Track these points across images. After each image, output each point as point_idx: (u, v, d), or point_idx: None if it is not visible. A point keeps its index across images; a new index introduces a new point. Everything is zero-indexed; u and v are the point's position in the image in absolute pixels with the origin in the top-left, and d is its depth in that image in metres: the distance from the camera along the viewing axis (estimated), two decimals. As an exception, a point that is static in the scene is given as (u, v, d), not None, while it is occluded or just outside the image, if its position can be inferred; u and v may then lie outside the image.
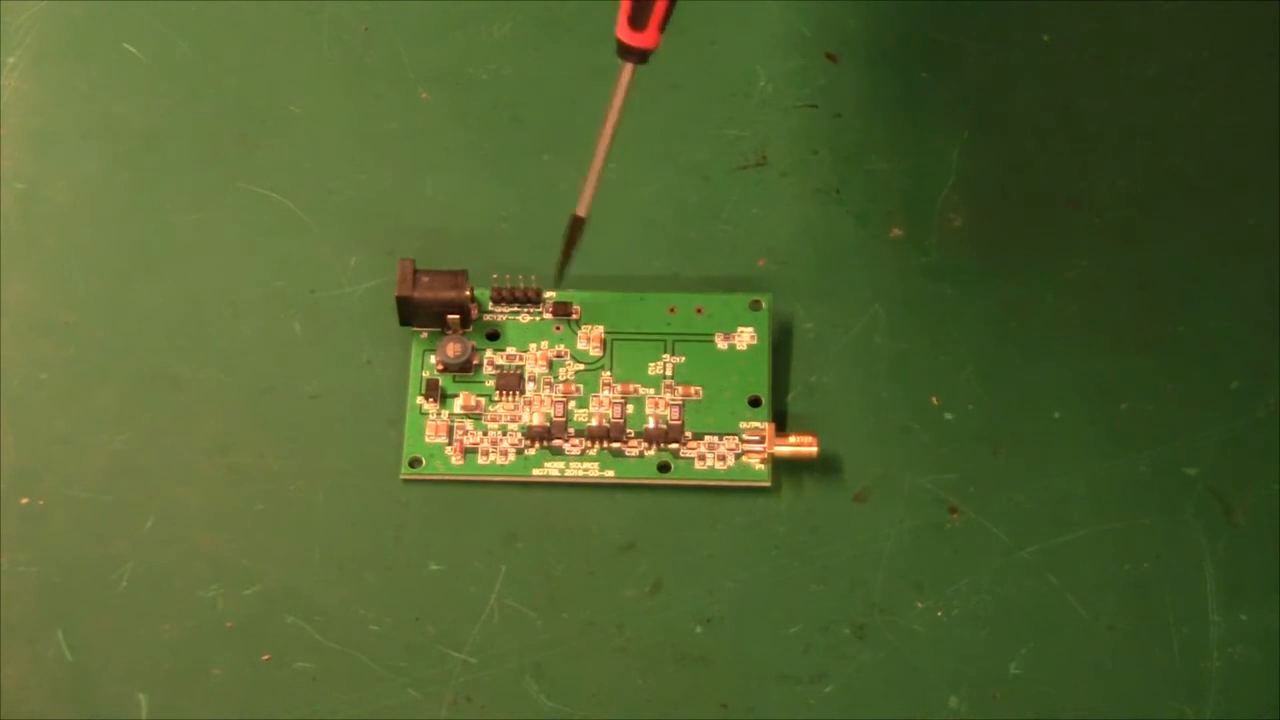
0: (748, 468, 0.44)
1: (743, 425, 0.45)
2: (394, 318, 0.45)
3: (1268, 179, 0.48)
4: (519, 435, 0.44)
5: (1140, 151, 0.49)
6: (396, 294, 0.44)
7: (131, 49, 0.49)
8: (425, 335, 0.45)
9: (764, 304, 0.46)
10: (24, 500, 0.44)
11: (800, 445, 0.44)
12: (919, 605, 0.43)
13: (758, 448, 0.44)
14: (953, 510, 0.44)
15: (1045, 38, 0.50)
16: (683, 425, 0.44)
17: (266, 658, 0.42)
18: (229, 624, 0.43)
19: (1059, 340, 0.46)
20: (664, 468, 0.44)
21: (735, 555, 0.44)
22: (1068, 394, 0.45)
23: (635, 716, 0.42)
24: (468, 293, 0.45)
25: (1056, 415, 0.45)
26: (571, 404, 0.45)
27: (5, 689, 0.42)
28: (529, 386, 0.45)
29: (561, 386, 0.45)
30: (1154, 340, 0.46)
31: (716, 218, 0.48)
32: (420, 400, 0.45)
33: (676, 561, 0.44)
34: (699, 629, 0.43)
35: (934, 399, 0.45)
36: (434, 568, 0.43)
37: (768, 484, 0.44)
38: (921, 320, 0.46)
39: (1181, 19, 0.51)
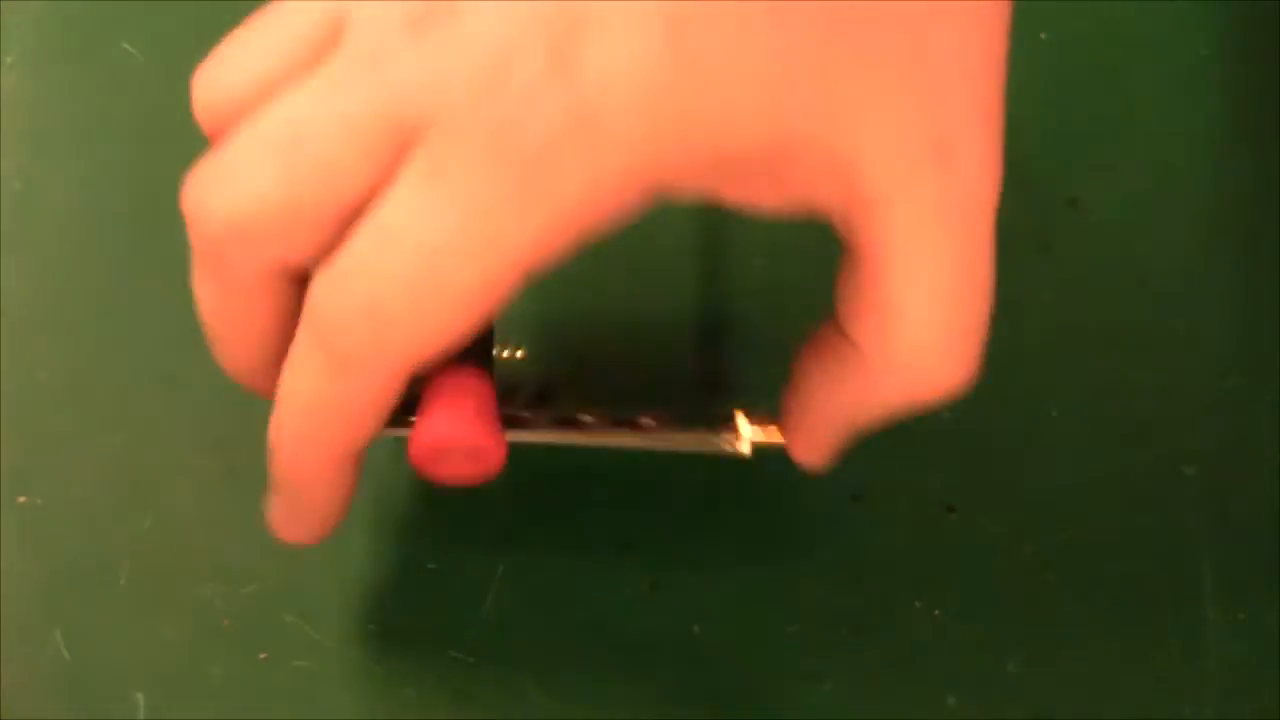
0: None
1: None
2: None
3: (1268, 179, 0.48)
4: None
5: (1140, 151, 0.49)
6: None
7: (131, 49, 0.49)
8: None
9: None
10: (22, 499, 0.44)
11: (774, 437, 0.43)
12: (918, 605, 0.43)
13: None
14: (951, 510, 0.44)
15: (1043, 36, 0.50)
16: None
17: (264, 657, 0.42)
18: (227, 623, 0.43)
19: (1059, 340, 0.46)
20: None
21: (734, 554, 0.44)
22: (1067, 394, 0.45)
23: (634, 716, 0.42)
24: None
25: (1055, 415, 0.45)
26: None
27: (4, 688, 0.42)
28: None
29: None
30: (1153, 339, 0.46)
31: (715, 218, 0.48)
32: None
33: (675, 561, 0.44)
34: (697, 628, 0.43)
35: (933, 399, 0.45)
36: (431, 566, 0.43)
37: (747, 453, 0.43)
38: (921, 320, 0.46)
39: (1181, 19, 0.51)
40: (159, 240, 0.47)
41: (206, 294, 0.37)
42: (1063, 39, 0.50)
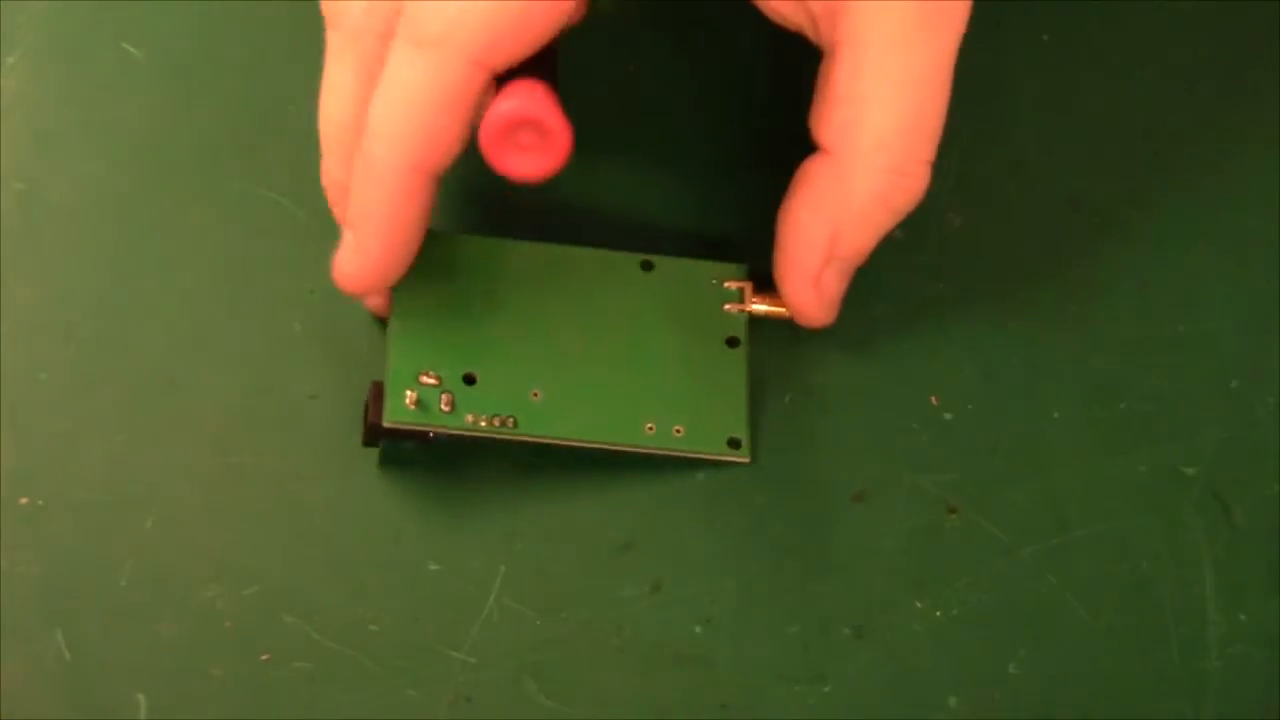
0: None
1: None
2: (394, 317, 0.45)
3: (1268, 179, 0.48)
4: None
5: (1140, 151, 0.49)
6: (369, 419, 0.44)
7: (131, 49, 0.49)
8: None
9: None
10: (23, 500, 0.44)
11: (777, 304, 0.45)
12: (918, 605, 0.43)
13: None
14: (952, 510, 0.44)
15: (1045, 37, 0.50)
16: None
17: (266, 657, 0.42)
18: (228, 624, 0.43)
19: (1059, 340, 0.46)
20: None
21: (735, 555, 0.44)
22: (1067, 394, 0.45)
23: (635, 716, 0.42)
24: None
25: (1056, 415, 0.45)
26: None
27: (4, 689, 0.42)
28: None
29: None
30: (1154, 340, 0.46)
31: (716, 218, 0.48)
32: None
33: (676, 561, 0.44)
34: (698, 629, 0.43)
35: (934, 399, 0.45)
36: (433, 567, 0.43)
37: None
38: (921, 320, 0.46)
39: (1182, 19, 0.51)
40: (160, 240, 0.47)
41: (340, 79, 0.42)
42: (1064, 39, 0.50)
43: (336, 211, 0.43)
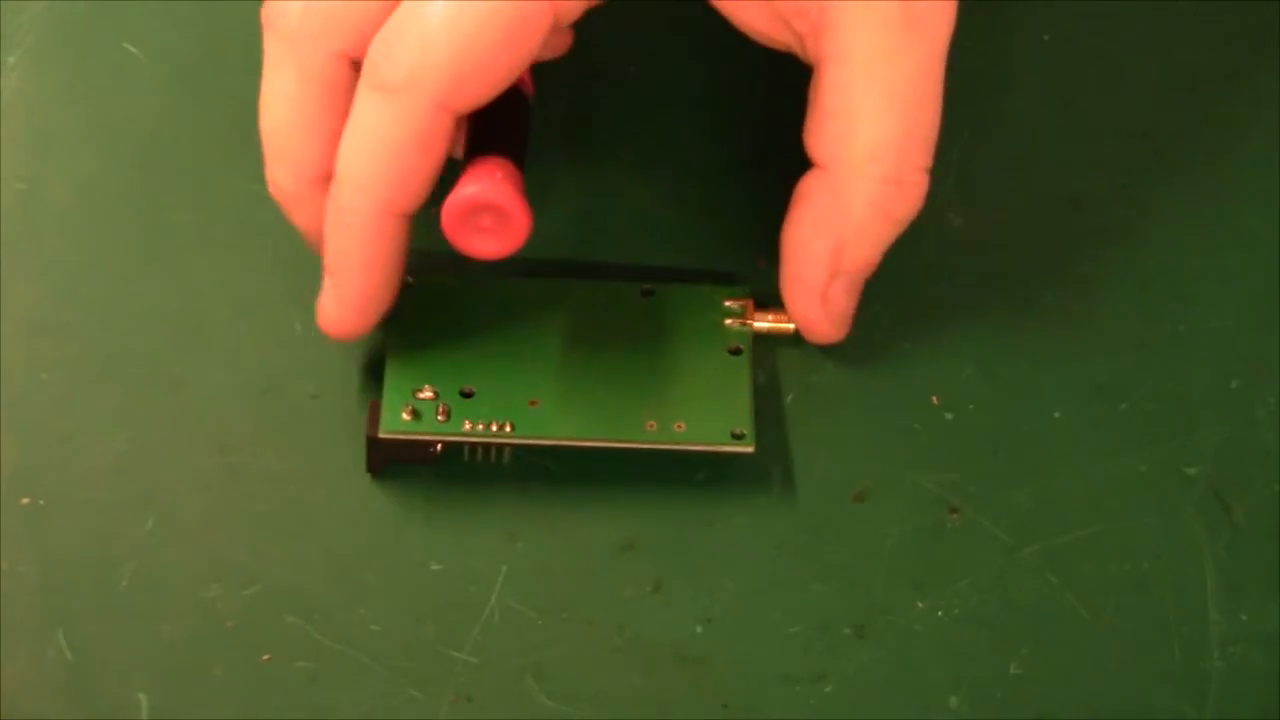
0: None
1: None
2: (394, 317, 0.45)
3: (1268, 179, 0.48)
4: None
5: (1140, 151, 0.49)
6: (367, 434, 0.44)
7: (131, 49, 0.49)
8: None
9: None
10: (24, 500, 0.44)
11: (780, 321, 0.45)
12: (919, 605, 0.43)
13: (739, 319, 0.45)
14: (953, 510, 0.44)
15: (1045, 37, 0.50)
16: None
17: (267, 658, 0.42)
18: (229, 624, 0.43)
19: (1059, 340, 0.46)
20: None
21: (735, 555, 0.44)
22: (1068, 394, 0.46)
23: (635, 716, 0.42)
24: None
25: (1056, 415, 0.45)
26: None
27: (5, 689, 0.42)
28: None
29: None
30: (1154, 340, 0.46)
31: (717, 218, 0.48)
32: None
33: (676, 561, 0.44)
34: (699, 629, 0.43)
35: (934, 399, 0.45)
36: (434, 567, 0.43)
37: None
38: (921, 320, 0.46)
39: (1182, 19, 0.51)
40: (161, 240, 0.47)
41: (280, 85, 0.42)
42: (1064, 39, 0.50)
43: (293, 219, 0.44)
